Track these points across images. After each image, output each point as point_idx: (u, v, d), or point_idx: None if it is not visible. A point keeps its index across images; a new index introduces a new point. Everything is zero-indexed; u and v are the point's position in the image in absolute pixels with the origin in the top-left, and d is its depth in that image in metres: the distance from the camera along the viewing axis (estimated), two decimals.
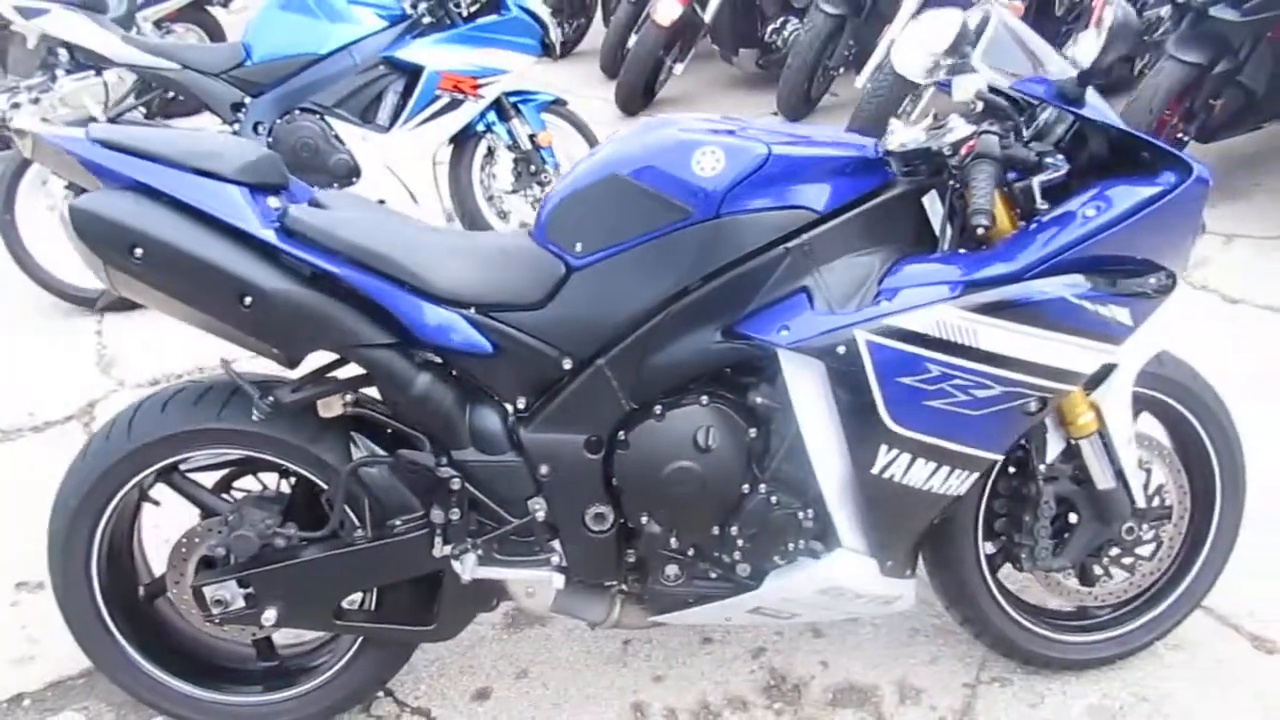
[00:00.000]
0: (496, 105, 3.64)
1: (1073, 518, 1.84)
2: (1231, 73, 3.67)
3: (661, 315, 1.60)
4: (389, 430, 1.72)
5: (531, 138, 3.72)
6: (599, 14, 6.75)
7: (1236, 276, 3.42)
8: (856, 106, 4.28)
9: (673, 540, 1.69)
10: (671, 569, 1.73)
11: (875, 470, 1.60)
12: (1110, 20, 1.41)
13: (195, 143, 1.61)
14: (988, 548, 1.89)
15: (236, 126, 3.48)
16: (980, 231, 1.40)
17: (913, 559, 1.76)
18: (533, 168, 3.73)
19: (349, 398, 1.67)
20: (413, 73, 3.46)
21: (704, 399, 1.64)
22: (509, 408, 1.69)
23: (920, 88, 4.26)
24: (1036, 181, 1.54)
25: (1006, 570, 1.93)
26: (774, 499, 1.65)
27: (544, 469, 1.67)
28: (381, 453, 1.70)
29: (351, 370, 1.69)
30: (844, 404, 1.57)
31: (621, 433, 1.65)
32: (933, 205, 1.67)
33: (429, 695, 2.02)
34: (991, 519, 1.88)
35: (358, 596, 1.86)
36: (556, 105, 3.86)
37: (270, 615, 1.73)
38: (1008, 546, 1.87)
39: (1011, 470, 1.85)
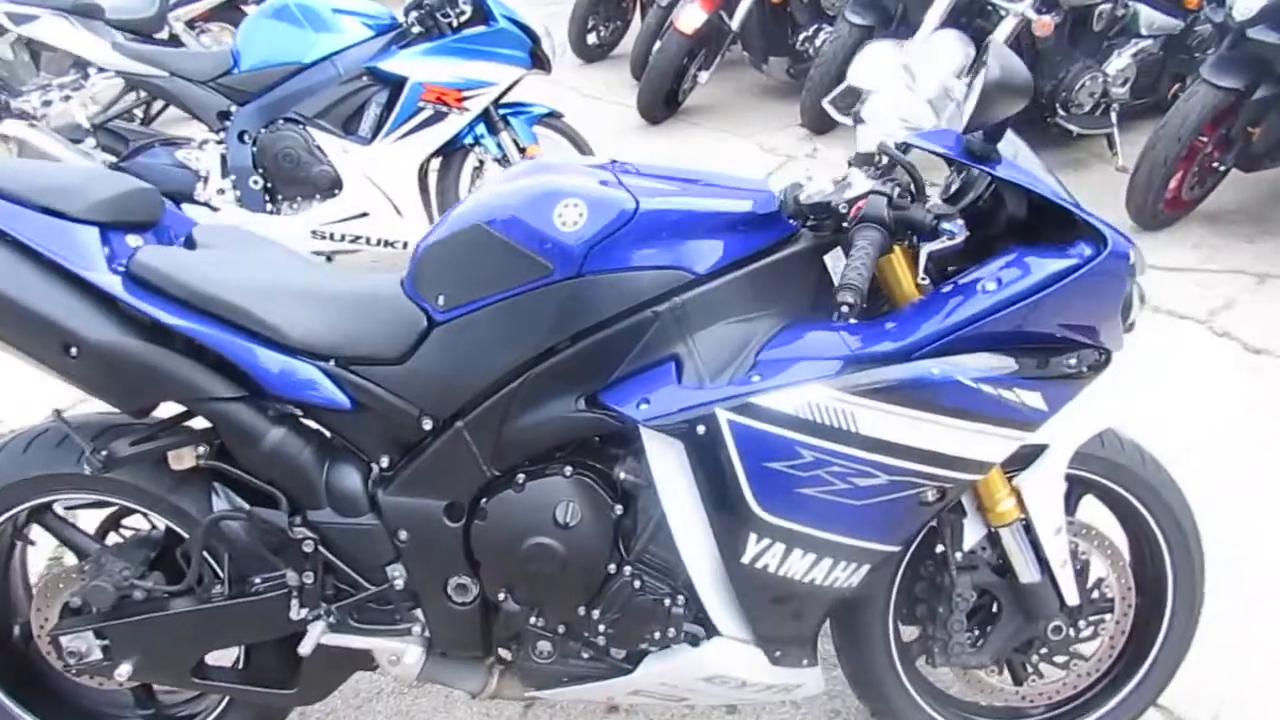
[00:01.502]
0: (486, 118, 3.55)
1: (996, 609, 1.67)
2: (1274, 99, 3.38)
3: (522, 378, 1.47)
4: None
5: (521, 151, 3.62)
6: (636, 16, 6.62)
7: (1263, 323, 3.14)
8: None
9: (534, 619, 1.57)
10: (544, 645, 1.61)
11: (745, 560, 1.45)
12: (983, 81, 1.23)
13: (50, 178, 1.53)
14: (909, 633, 1.73)
15: (223, 135, 3.45)
16: (844, 309, 1.24)
17: (808, 649, 1.61)
18: None
19: (201, 450, 1.58)
20: (396, 84, 3.37)
21: (568, 470, 1.51)
22: (374, 467, 1.59)
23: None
24: (925, 250, 1.37)
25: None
26: (638, 583, 1.51)
27: (403, 535, 1.56)
28: (245, 507, 1.61)
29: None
30: (707, 487, 1.43)
31: (482, 501, 1.53)
32: (836, 264, 1.51)
33: None
34: (914, 603, 1.72)
35: (229, 651, 1.78)
36: (551, 118, 3.75)
37: (125, 669, 1.65)
38: (923, 638, 1.70)
39: (939, 550, 1.68)
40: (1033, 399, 1.41)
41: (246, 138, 3.43)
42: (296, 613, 1.60)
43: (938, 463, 1.41)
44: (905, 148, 1.45)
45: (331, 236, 3.48)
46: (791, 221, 1.50)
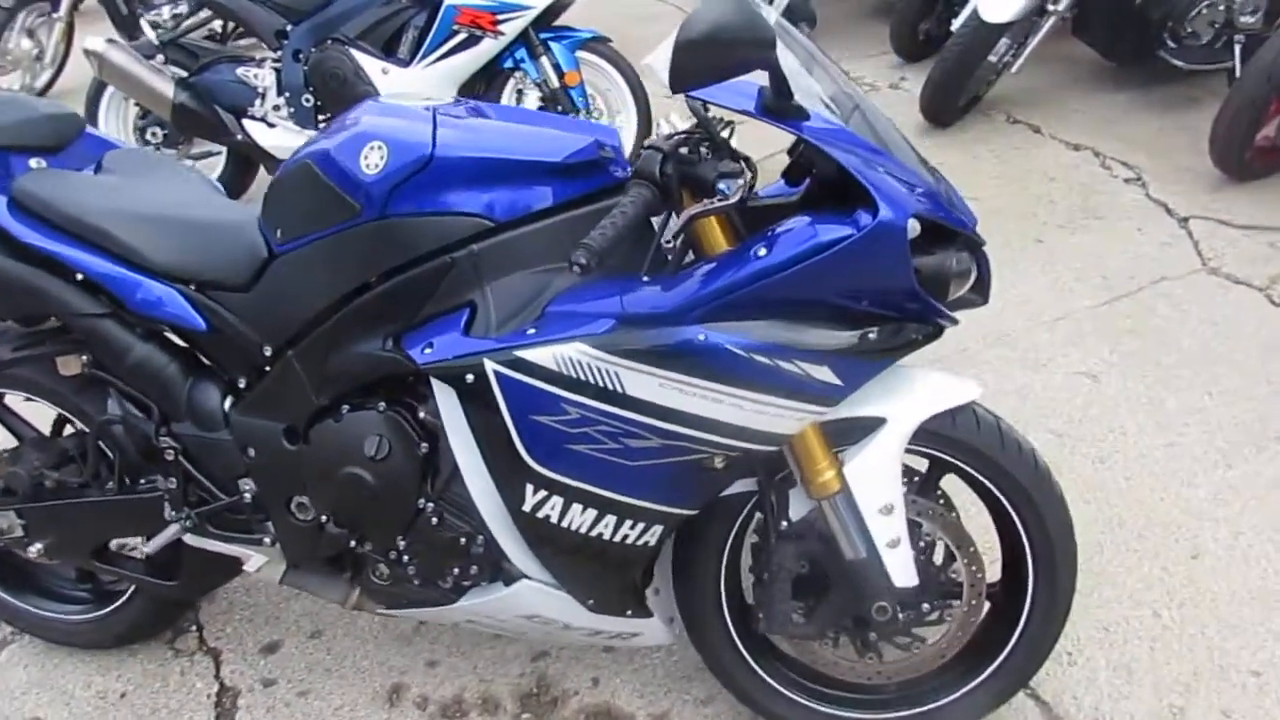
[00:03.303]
0: (527, 42, 3.55)
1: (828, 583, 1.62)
2: None
3: (338, 315, 1.53)
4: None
5: (561, 76, 3.60)
6: None
7: None
8: (939, 55, 3.82)
9: (357, 544, 1.65)
10: (382, 568, 1.69)
11: (526, 508, 1.47)
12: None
13: None
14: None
15: (280, 54, 3.61)
16: (575, 270, 1.21)
17: (628, 600, 1.62)
18: (559, 108, 3.62)
19: (85, 358, 1.72)
20: (434, 6, 3.43)
21: (382, 406, 1.56)
22: (240, 385, 1.69)
23: (1013, 31, 3.72)
24: (687, 213, 1.30)
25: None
26: (437, 520, 1.56)
27: (251, 452, 1.67)
28: (123, 413, 1.76)
29: None
30: (482, 435, 1.45)
31: (312, 428, 1.61)
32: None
33: (227, 638, 2.11)
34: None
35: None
36: (596, 42, 3.70)
37: (37, 547, 1.86)
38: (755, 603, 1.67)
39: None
40: (820, 373, 1.34)
41: (301, 57, 3.58)
42: (169, 514, 1.75)
43: (715, 430, 1.37)
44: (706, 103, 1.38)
45: None
46: (619, 173, 1.46)
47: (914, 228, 1.28)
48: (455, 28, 3.42)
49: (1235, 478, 2.24)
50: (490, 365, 1.38)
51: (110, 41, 3.59)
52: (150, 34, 3.63)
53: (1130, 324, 2.76)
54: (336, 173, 1.47)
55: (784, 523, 1.56)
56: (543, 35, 3.58)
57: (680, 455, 1.40)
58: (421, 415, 1.54)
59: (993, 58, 3.74)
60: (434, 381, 1.46)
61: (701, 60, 1.15)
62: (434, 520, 1.56)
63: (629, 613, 1.63)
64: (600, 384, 1.35)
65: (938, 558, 1.63)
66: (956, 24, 3.80)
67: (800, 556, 1.58)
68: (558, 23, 3.66)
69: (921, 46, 4.56)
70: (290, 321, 1.57)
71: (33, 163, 1.71)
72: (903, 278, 1.29)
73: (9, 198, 1.64)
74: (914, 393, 1.50)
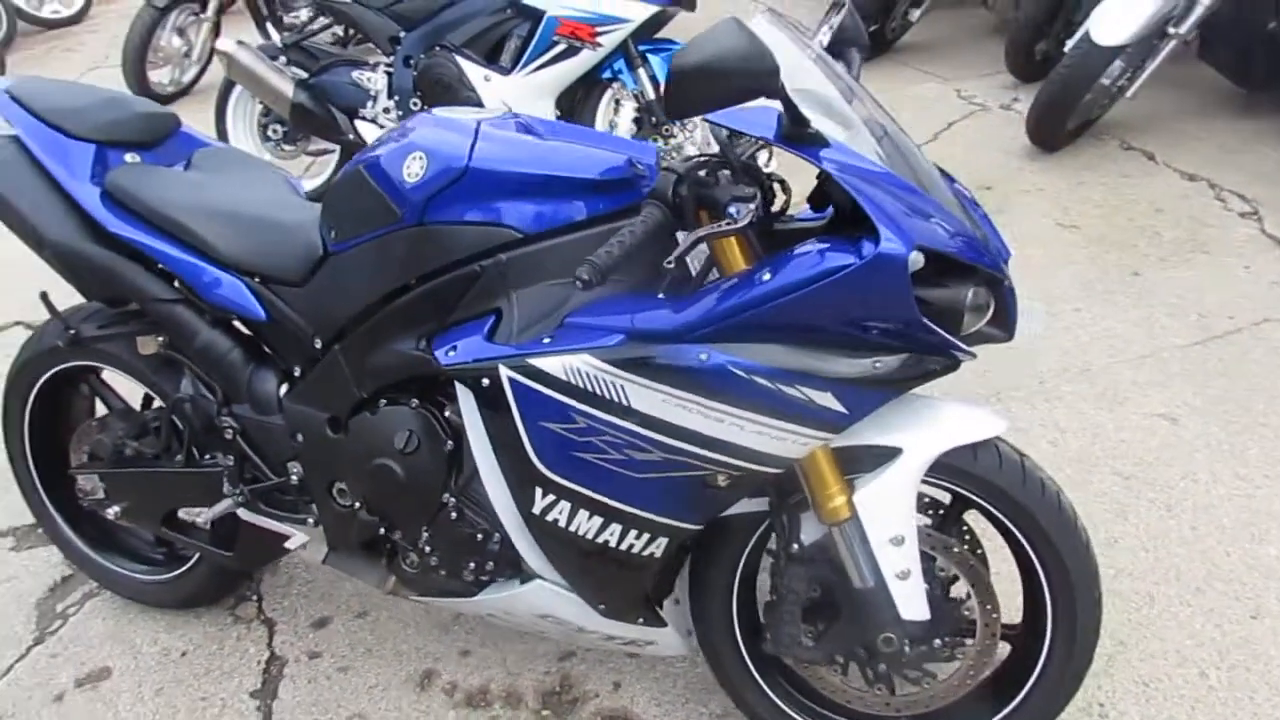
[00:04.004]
0: (626, 53, 3.61)
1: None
2: None
3: (379, 314, 1.61)
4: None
5: (657, 88, 3.65)
6: None
7: None
8: (1047, 77, 3.69)
9: (386, 532, 1.74)
10: (412, 556, 1.77)
11: (536, 511, 1.52)
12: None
13: (65, 100, 1.85)
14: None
15: (391, 59, 3.78)
16: (579, 285, 1.25)
17: (639, 608, 1.65)
18: (654, 119, 3.67)
19: (162, 339, 1.87)
20: (536, 17, 3.53)
21: (414, 402, 1.64)
22: (294, 374, 1.80)
23: (1129, 54, 3.56)
24: (693, 236, 1.32)
25: None
26: (456, 515, 1.63)
27: (299, 437, 1.77)
28: (191, 392, 1.89)
29: None
30: (495, 437, 1.51)
31: (352, 418, 1.71)
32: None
33: (283, 611, 2.24)
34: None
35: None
36: None
37: (115, 509, 2.03)
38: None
39: None
40: (823, 399, 1.35)
41: (411, 62, 3.75)
42: (226, 489, 1.88)
43: (716, 448, 1.39)
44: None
45: None
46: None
47: (917, 260, 1.27)
48: (555, 39, 3.51)
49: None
50: (504, 371, 1.44)
51: (239, 43, 3.83)
52: (275, 37, 3.85)
53: (1221, 366, 2.62)
54: (383, 179, 1.55)
55: (795, 545, 1.56)
56: (642, 47, 3.63)
57: (682, 470, 1.42)
58: (448, 414, 1.61)
59: (1106, 81, 3.59)
60: (457, 383, 1.53)
61: (697, 89, 1.18)
62: (454, 515, 1.63)
63: (640, 621, 1.66)
64: (606, 396, 1.39)
65: (957, 594, 1.61)
66: (1070, 45, 3.67)
67: (811, 580, 1.58)
68: (660, 35, 3.72)
69: (1038, 67, 4.41)
70: (338, 317, 1.67)
71: (128, 157, 1.87)
72: (904, 308, 1.28)
73: (102, 189, 1.79)
74: (934, 424, 1.48)
